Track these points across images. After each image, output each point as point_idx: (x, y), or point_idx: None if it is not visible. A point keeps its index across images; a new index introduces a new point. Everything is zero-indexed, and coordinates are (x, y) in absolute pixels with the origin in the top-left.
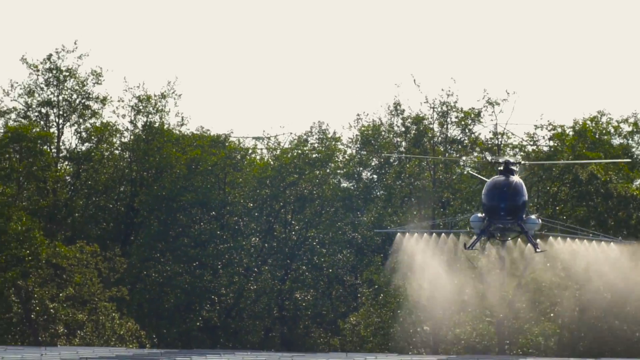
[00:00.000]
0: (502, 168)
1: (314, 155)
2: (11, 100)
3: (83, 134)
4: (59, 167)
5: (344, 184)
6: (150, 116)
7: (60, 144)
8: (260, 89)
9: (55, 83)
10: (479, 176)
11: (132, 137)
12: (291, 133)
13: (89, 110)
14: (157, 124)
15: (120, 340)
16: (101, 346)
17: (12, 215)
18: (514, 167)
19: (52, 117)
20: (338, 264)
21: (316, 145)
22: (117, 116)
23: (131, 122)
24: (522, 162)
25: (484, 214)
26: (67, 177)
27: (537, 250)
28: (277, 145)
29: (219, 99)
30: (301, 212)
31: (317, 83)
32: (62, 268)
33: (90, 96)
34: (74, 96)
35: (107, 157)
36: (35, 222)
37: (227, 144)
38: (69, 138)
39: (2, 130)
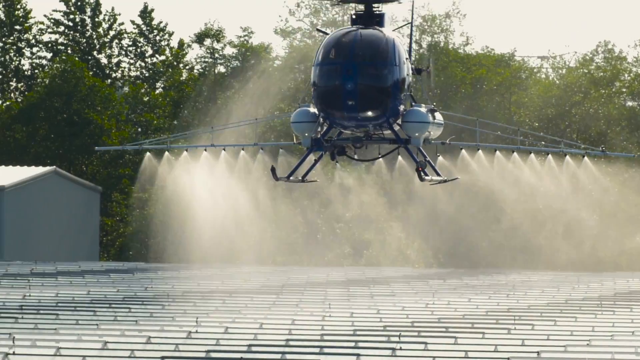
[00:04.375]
0: (361, 11)
1: (599, 74)
2: (297, 20)
3: None
4: None
5: (630, 103)
6: (435, 36)
7: None
8: (544, 8)
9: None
10: (326, 31)
11: (417, 56)
12: (576, 52)
13: None
14: (442, 44)
15: (407, 260)
16: (387, 266)
17: None
18: (382, 14)
19: None
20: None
21: (602, 64)
22: (402, 36)
23: (416, 41)
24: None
25: (317, 108)
26: None
27: (424, 177)
28: (562, 65)
29: (503, 18)
30: (586, 132)
31: (602, 1)
32: (347, 188)
33: None
34: None
35: None
36: None
37: (511, 63)
38: None
39: (287, 51)
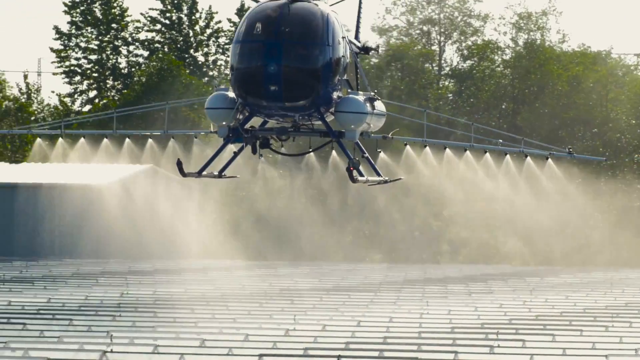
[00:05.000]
0: None
1: None
2: (393, 19)
3: (464, 51)
4: (440, 85)
5: None
6: (531, 34)
7: (442, 61)
8: None
9: (436, 1)
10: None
11: (513, 54)
12: None
13: (470, 28)
14: (538, 42)
15: (505, 258)
16: (485, 264)
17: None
18: None
19: (433, 35)
20: None
21: None
22: (498, 34)
23: (512, 39)
24: None
25: (235, 92)
26: (449, 95)
27: (357, 178)
28: None
29: (600, 15)
30: None
31: None
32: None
33: (472, 14)
34: (455, 14)
35: (489, 75)
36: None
37: (608, 61)
38: (450, 56)
39: (384, 48)
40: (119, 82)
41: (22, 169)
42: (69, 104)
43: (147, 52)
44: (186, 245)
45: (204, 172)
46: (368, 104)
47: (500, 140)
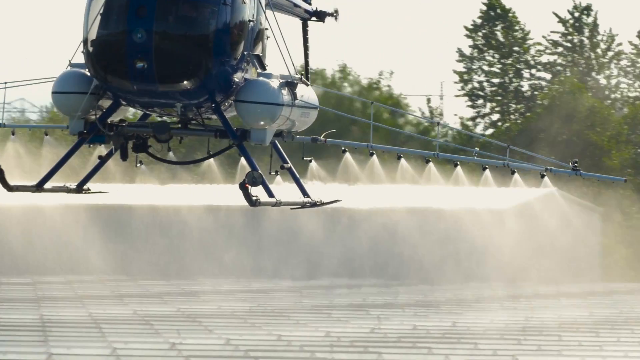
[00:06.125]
0: None
1: None
2: None
3: None
4: None
5: None
6: None
7: None
8: None
9: None
10: None
11: None
12: None
13: None
14: None
15: None
16: None
17: None
18: None
19: None
20: None
21: None
22: None
23: None
24: None
25: (90, 71)
26: None
27: (258, 200)
28: None
29: None
30: None
31: None
32: None
33: None
34: None
35: None
36: None
37: None
38: None
39: None
40: (522, 105)
41: None
42: (471, 127)
43: (550, 75)
44: (584, 268)
45: (48, 185)
46: (284, 91)
47: (477, 149)
